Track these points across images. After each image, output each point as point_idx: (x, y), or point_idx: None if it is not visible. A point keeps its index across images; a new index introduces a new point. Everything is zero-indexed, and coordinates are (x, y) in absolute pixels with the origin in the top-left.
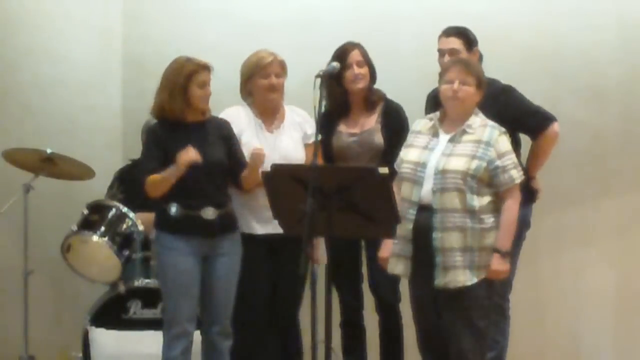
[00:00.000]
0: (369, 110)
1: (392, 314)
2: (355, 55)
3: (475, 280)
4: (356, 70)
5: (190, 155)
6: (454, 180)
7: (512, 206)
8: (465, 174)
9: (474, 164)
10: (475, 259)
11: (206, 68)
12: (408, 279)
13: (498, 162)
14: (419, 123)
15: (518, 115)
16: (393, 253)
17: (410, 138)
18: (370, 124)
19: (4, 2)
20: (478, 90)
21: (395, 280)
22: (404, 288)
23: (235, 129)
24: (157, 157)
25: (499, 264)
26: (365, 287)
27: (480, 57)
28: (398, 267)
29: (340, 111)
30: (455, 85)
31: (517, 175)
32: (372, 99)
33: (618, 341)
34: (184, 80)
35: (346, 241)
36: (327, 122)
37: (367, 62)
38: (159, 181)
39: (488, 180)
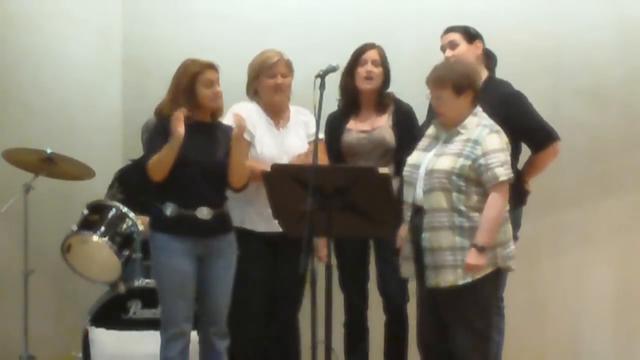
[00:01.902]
0: (379, 111)
1: (399, 315)
2: (372, 54)
3: (468, 279)
4: (370, 67)
5: (179, 117)
6: (440, 179)
7: (494, 203)
8: (450, 173)
9: (459, 162)
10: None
11: (211, 67)
12: (415, 280)
13: (482, 161)
14: (430, 128)
15: (523, 127)
16: (402, 256)
17: (419, 142)
18: (382, 122)
19: (4, 2)
20: (459, 96)
21: (404, 280)
22: (412, 289)
23: (248, 123)
24: (161, 146)
25: (473, 259)
26: (372, 287)
27: (494, 58)
28: (405, 270)
29: (351, 108)
30: (433, 102)
31: (501, 173)
32: (382, 102)
33: (618, 341)
34: (188, 81)
35: (354, 240)
36: (336, 119)
37: (383, 64)
38: (159, 157)
39: (476, 178)
